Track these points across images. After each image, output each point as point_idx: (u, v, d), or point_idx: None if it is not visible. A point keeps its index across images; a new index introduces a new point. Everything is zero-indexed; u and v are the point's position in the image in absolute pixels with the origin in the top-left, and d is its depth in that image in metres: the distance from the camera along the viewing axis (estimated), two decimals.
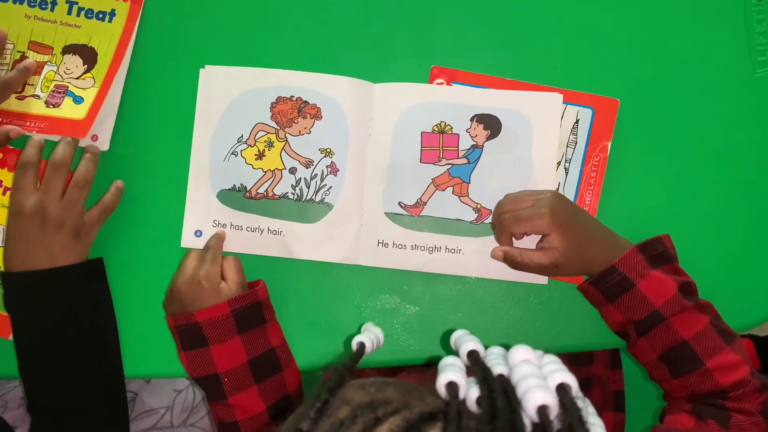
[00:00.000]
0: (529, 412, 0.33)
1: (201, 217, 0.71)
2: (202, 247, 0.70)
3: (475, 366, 0.37)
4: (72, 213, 0.65)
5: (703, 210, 0.70)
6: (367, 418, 0.35)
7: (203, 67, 0.71)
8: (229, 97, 0.71)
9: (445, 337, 0.71)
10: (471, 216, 0.70)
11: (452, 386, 0.35)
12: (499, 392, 0.34)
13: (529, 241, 0.67)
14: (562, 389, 0.34)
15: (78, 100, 0.70)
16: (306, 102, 0.70)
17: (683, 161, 0.70)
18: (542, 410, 0.32)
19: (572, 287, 0.70)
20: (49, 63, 0.71)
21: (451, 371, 0.36)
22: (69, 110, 0.70)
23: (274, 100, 0.70)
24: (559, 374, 0.35)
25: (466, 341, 0.39)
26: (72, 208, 0.65)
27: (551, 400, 0.33)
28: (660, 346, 0.62)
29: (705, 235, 0.70)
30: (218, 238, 0.69)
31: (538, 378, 0.34)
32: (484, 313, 0.70)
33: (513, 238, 0.67)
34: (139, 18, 0.71)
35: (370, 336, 0.42)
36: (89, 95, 0.70)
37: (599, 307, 0.66)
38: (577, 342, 0.70)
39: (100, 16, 0.71)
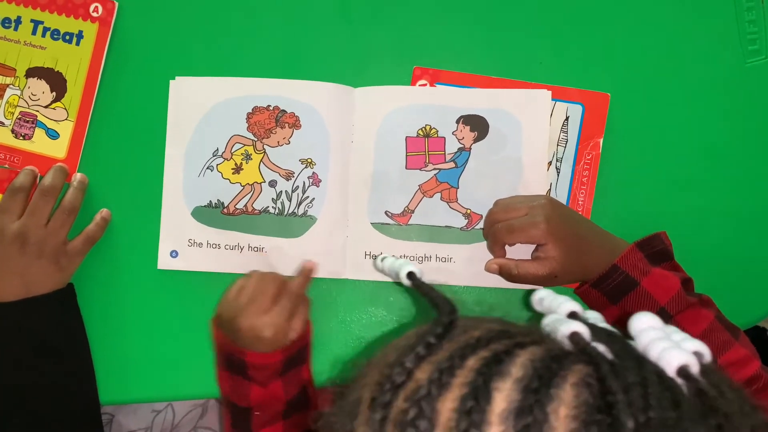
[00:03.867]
0: (668, 373, 0.31)
1: (176, 237, 0.68)
2: (182, 267, 0.67)
3: (587, 324, 0.35)
4: (54, 240, 0.63)
5: (698, 206, 0.68)
6: (506, 341, 0.33)
7: (173, 79, 0.68)
8: (201, 109, 0.67)
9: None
10: (461, 222, 0.67)
11: (577, 336, 0.33)
12: (629, 347, 0.32)
13: (523, 248, 0.65)
14: (695, 356, 0.31)
15: (52, 134, 0.68)
16: (284, 111, 0.67)
17: (677, 155, 0.69)
18: (683, 370, 0.30)
19: (564, 291, 0.67)
20: (11, 86, 0.68)
21: (569, 323, 0.33)
22: (44, 146, 0.68)
23: (250, 111, 0.67)
24: (689, 342, 0.32)
25: (563, 301, 0.37)
26: (55, 235, 0.63)
27: (692, 361, 0.30)
28: None
29: (701, 232, 0.68)
30: (302, 283, 0.63)
31: (670, 341, 0.32)
32: None
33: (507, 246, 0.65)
34: (108, 42, 0.68)
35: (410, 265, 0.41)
36: (65, 130, 0.68)
37: (599, 310, 0.64)
38: None
39: (67, 38, 0.68)
